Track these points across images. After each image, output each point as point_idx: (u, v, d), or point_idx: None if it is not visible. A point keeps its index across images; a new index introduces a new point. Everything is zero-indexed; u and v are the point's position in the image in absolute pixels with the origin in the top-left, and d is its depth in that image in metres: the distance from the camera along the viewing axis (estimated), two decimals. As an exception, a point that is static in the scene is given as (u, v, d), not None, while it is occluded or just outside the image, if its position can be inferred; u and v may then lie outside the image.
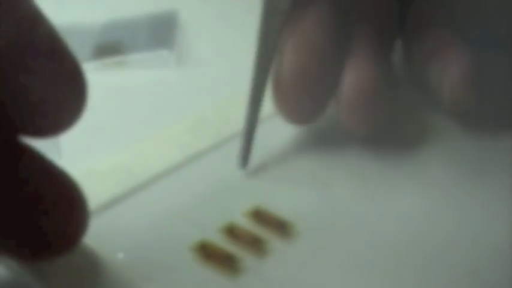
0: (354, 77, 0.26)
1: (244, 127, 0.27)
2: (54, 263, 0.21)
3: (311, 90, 0.26)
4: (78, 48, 0.37)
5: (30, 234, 0.20)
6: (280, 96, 0.27)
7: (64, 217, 0.20)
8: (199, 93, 0.33)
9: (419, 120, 0.29)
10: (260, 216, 0.24)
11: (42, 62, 0.19)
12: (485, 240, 0.23)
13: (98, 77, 0.35)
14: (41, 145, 0.29)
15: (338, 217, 0.24)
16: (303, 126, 0.28)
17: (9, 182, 0.19)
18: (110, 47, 0.36)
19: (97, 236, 0.23)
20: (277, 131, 0.29)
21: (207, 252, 0.22)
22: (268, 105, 0.30)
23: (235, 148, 0.28)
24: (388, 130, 0.28)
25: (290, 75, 0.26)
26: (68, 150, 0.29)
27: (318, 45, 0.26)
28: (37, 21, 0.19)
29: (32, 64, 0.18)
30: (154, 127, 0.29)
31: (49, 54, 0.19)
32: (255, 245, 0.22)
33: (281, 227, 0.23)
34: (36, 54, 0.18)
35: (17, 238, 0.20)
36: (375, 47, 0.27)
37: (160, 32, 0.38)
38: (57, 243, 0.21)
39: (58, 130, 0.20)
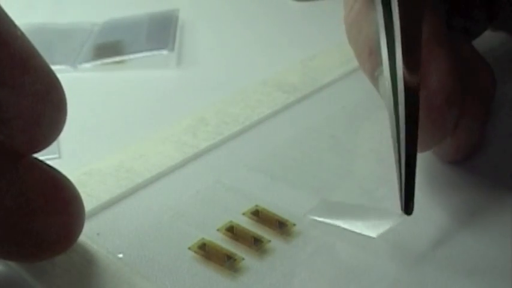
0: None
1: (403, 163, 0.22)
2: (54, 263, 0.21)
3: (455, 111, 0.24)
4: (78, 48, 0.37)
5: (26, 235, 0.20)
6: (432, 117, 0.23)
7: (60, 217, 0.20)
8: (199, 93, 0.33)
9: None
10: (260, 215, 0.24)
11: (17, 77, 0.18)
12: (485, 239, 0.23)
13: (97, 77, 0.35)
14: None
15: (337, 217, 0.24)
16: (427, 151, 0.25)
17: (3, 183, 0.19)
18: (110, 47, 0.37)
19: (97, 236, 0.23)
20: (277, 130, 0.29)
21: (207, 252, 0.22)
22: (268, 106, 0.30)
23: (235, 148, 0.28)
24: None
25: (443, 95, 0.23)
26: (68, 150, 0.29)
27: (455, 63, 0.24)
28: (11, 36, 0.18)
29: (6, 78, 0.18)
30: (154, 127, 0.29)
31: (24, 68, 0.19)
32: (255, 244, 0.22)
33: (281, 226, 0.23)
34: (10, 69, 0.18)
35: (13, 239, 0.20)
36: None
37: (160, 32, 0.38)
38: (53, 243, 0.21)
39: (39, 145, 0.20)
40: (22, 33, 0.19)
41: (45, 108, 0.19)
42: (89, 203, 0.24)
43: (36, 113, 0.19)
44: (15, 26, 0.19)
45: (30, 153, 0.20)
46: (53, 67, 0.20)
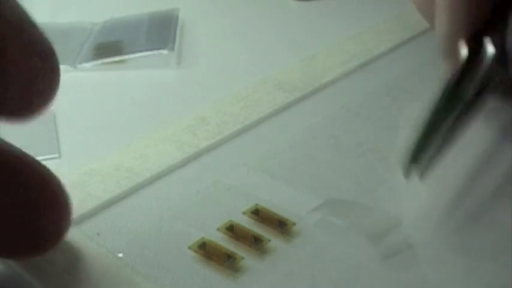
0: None
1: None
2: (54, 263, 0.21)
3: None
4: (78, 47, 0.37)
5: (14, 231, 0.20)
6: None
7: (47, 212, 0.20)
8: (199, 93, 0.33)
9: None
10: (260, 215, 0.24)
11: (10, 40, 0.18)
12: (485, 239, 0.23)
13: (97, 77, 0.35)
14: (40, 145, 0.29)
15: (337, 217, 0.24)
16: None
17: None
18: (110, 47, 0.37)
19: (97, 235, 0.23)
20: (277, 130, 0.29)
21: (207, 251, 0.22)
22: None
23: (235, 147, 0.28)
24: (392, 131, 0.28)
25: None
26: (68, 150, 0.29)
27: None
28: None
29: None
30: (154, 127, 0.29)
31: (16, 31, 0.19)
32: (255, 244, 0.22)
33: (281, 226, 0.23)
34: (2, 33, 0.18)
35: (1, 235, 0.20)
36: None
37: (161, 31, 0.38)
38: (42, 238, 0.20)
39: (33, 109, 0.20)
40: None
41: (39, 71, 0.19)
42: (89, 203, 0.24)
43: (30, 76, 0.19)
44: None
45: (24, 118, 0.20)
46: (53, 66, 0.20)
